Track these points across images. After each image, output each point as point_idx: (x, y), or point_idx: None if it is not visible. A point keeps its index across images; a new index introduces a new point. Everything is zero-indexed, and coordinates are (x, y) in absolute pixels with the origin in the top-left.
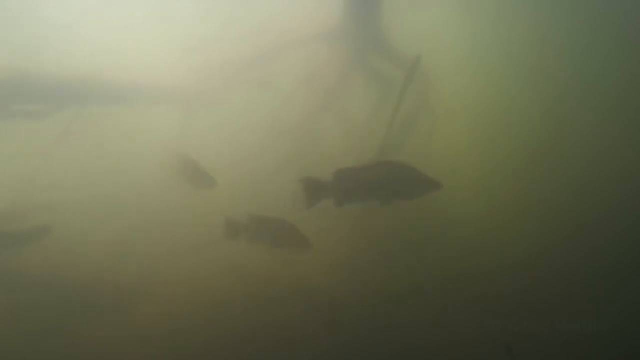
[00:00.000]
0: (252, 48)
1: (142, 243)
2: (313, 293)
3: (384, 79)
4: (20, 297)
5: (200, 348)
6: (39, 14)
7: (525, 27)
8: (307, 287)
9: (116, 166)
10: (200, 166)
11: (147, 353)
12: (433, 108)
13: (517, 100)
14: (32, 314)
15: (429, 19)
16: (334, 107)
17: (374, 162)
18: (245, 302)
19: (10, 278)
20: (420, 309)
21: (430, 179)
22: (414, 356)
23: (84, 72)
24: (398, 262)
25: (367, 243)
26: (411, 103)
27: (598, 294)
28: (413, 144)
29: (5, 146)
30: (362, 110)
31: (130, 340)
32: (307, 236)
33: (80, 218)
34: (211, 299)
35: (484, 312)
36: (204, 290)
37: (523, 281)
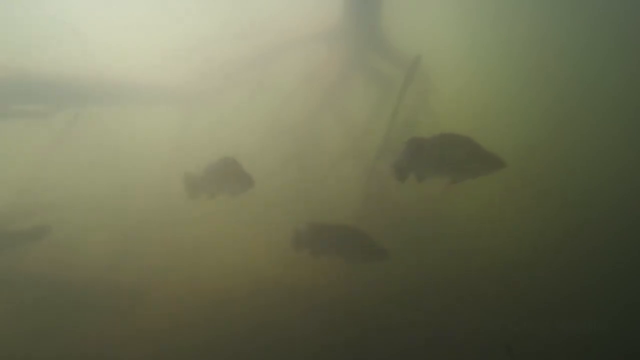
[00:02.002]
0: (252, 48)
1: (142, 243)
2: (313, 293)
3: (384, 79)
4: (20, 297)
5: (200, 348)
6: (39, 14)
7: (525, 27)
8: (307, 287)
9: (116, 166)
10: (240, 166)
11: (147, 353)
12: (433, 108)
13: (517, 100)
14: (32, 314)
15: (429, 19)
16: (334, 107)
17: (440, 135)
18: (245, 302)
19: (11, 278)
20: (420, 309)
21: (493, 155)
22: (414, 356)
23: (84, 72)
24: (398, 262)
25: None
26: (411, 103)
27: (598, 294)
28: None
29: (5, 146)
30: (362, 110)
31: (130, 340)
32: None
33: (80, 218)
34: (211, 299)
35: (484, 312)
36: (204, 290)
37: (523, 281)
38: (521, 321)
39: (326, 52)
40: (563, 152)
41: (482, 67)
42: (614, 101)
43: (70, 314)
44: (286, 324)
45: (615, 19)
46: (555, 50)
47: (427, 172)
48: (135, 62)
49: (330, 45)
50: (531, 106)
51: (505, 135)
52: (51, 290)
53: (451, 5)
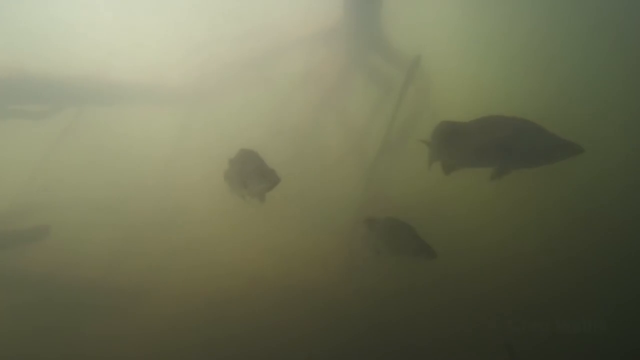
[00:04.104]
0: (252, 48)
1: (142, 243)
2: (313, 293)
3: (384, 79)
4: (20, 297)
5: (200, 348)
6: (39, 14)
7: (525, 27)
8: (307, 288)
9: (116, 166)
10: (264, 162)
11: (147, 353)
12: (433, 108)
13: (517, 100)
14: (32, 314)
15: (429, 19)
16: (334, 107)
17: (485, 117)
18: (246, 303)
19: (11, 278)
20: (420, 309)
21: (568, 142)
22: (414, 356)
23: (84, 72)
24: (398, 262)
25: None
26: (411, 103)
27: (598, 294)
28: (413, 144)
29: (5, 146)
30: (362, 110)
31: (130, 340)
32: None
33: (80, 218)
34: (211, 300)
35: (484, 312)
36: (204, 290)
37: (523, 280)
38: (521, 321)
39: (326, 52)
40: None
41: (482, 67)
42: (614, 100)
43: (70, 314)
44: (286, 324)
45: (615, 19)
46: (556, 50)
47: (464, 161)
48: (136, 62)
49: (330, 45)
50: (531, 106)
51: None
52: (51, 290)
53: (451, 5)
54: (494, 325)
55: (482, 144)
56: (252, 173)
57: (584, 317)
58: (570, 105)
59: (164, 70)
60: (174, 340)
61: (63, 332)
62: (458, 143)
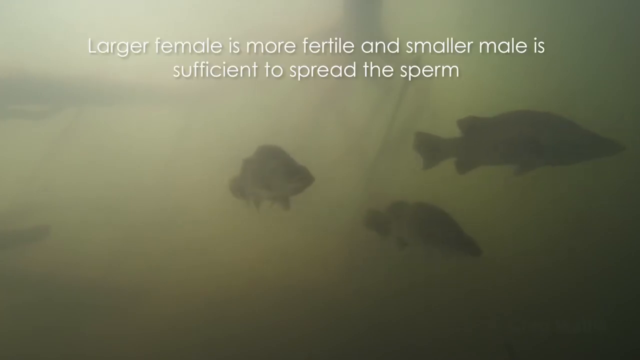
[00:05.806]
0: (252, 48)
1: (142, 243)
2: (313, 293)
3: (384, 79)
4: (20, 297)
5: (200, 348)
6: (39, 14)
7: (525, 27)
8: (307, 288)
9: (116, 166)
10: (293, 158)
11: (147, 353)
12: (433, 108)
13: (517, 100)
14: (32, 314)
15: (429, 19)
16: (334, 107)
17: (512, 112)
18: (246, 303)
19: (11, 278)
20: (420, 309)
21: (605, 139)
22: (414, 356)
23: (84, 72)
24: (398, 262)
25: (367, 242)
26: (411, 103)
27: (598, 294)
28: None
29: (5, 146)
30: (362, 110)
31: (130, 340)
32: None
33: (80, 218)
34: (211, 300)
35: (484, 312)
36: (204, 290)
37: (523, 280)
38: (521, 321)
39: (326, 52)
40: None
41: (482, 67)
42: (614, 101)
43: (70, 314)
44: (286, 324)
45: (615, 19)
46: (557, 50)
47: (486, 158)
48: (136, 62)
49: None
50: (531, 106)
51: None
52: (51, 290)
53: (451, 5)
54: (494, 325)
55: (507, 138)
56: (277, 171)
57: (584, 317)
58: (570, 105)
59: (164, 70)
60: (174, 340)
61: (63, 332)
62: (481, 138)
